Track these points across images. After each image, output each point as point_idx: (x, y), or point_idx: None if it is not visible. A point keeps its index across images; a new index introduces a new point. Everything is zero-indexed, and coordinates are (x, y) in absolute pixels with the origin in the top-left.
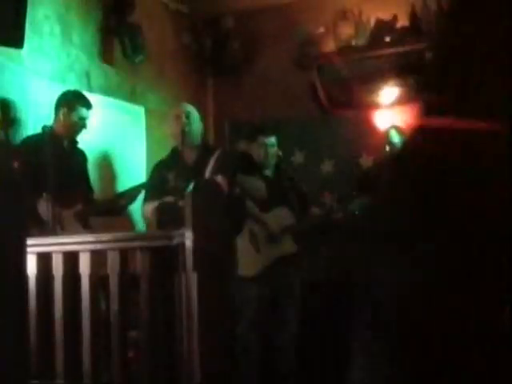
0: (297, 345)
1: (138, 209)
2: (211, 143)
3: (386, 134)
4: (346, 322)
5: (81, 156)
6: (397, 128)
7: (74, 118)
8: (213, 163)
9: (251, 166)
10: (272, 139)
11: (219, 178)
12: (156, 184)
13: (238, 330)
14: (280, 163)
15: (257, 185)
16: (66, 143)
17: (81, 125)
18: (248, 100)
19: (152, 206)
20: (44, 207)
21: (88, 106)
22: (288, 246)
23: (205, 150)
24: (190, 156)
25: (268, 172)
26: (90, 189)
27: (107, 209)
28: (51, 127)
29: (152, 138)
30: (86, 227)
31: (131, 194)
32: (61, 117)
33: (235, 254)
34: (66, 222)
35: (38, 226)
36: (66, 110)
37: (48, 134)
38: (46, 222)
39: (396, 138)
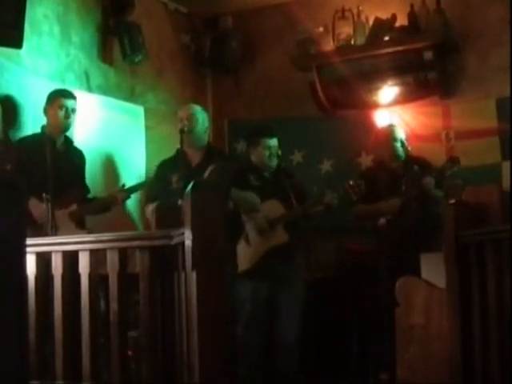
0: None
1: (137, 208)
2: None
3: (389, 133)
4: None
5: (77, 155)
6: (394, 126)
7: (58, 109)
8: (207, 175)
9: (245, 180)
10: (275, 140)
11: None
12: (159, 185)
13: (237, 329)
14: (280, 162)
15: (250, 198)
16: (59, 143)
17: (66, 115)
18: (247, 99)
19: (153, 206)
20: (35, 206)
21: (69, 96)
22: (279, 236)
23: (210, 153)
24: (194, 158)
25: (266, 173)
26: (85, 188)
27: (103, 207)
28: (44, 128)
29: (151, 137)
30: (79, 227)
31: (126, 192)
32: (47, 114)
33: (235, 255)
34: (59, 221)
35: (29, 225)
36: (49, 106)
37: (41, 135)
38: (37, 221)
39: (399, 133)
